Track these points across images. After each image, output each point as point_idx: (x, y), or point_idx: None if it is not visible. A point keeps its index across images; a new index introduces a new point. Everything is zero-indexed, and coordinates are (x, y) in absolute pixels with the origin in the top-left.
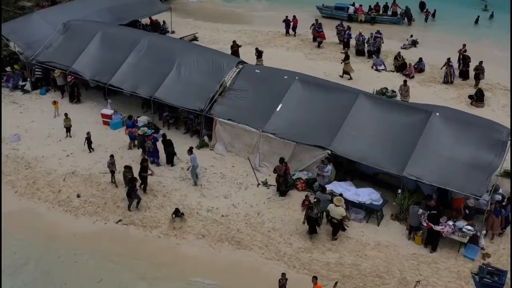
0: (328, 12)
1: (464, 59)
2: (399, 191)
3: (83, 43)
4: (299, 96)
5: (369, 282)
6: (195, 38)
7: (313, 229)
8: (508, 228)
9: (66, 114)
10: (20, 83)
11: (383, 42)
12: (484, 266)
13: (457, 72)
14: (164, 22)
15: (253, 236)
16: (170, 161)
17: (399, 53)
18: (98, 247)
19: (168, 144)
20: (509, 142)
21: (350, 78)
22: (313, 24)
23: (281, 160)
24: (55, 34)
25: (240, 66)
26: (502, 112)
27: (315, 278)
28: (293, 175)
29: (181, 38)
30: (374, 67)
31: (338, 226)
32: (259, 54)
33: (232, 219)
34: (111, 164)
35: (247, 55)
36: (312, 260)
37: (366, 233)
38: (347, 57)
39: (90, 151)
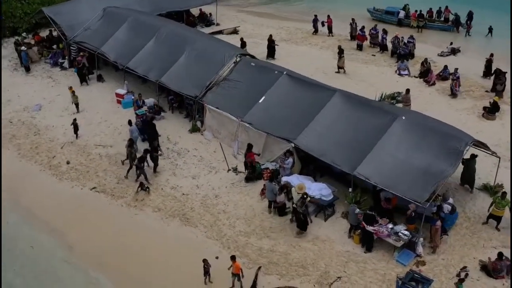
0: (378, 16)
1: (489, 69)
2: (350, 189)
3: (114, 28)
4: (283, 90)
5: (292, 271)
6: (235, 31)
7: (303, 226)
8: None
9: (73, 92)
10: (60, 60)
11: (415, 47)
12: (411, 272)
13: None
14: (210, 14)
15: (202, 216)
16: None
17: (426, 59)
18: (63, 209)
19: (150, 127)
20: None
21: (344, 72)
22: (350, 24)
23: (249, 147)
24: (94, 18)
25: (239, 58)
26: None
27: (233, 257)
28: (263, 164)
29: (221, 31)
30: (398, 71)
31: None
32: (242, 44)
33: (191, 198)
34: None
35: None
36: (247, 244)
37: (310, 226)
38: (341, 52)
39: (77, 137)
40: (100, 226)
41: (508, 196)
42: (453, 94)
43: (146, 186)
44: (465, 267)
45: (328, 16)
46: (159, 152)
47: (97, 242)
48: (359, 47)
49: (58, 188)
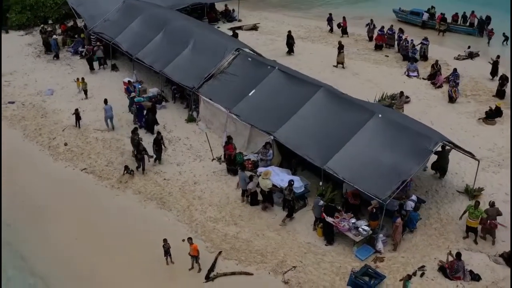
0: (403, 16)
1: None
2: (321, 183)
3: (130, 20)
4: (273, 85)
5: (251, 258)
6: (255, 28)
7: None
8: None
9: (83, 79)
10: (80, 49)
11: (428, 49)
12: (365, 267)
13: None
14: (233, 10)
15: (178, 200)
16: (150, 128)
17: (437, 61)
18: (52, 187)
19: (151, 113)
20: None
21: (343, 67)
22: (368, 25)
23: (228, 139)
24: (114, 10)
25: (237, 52)
26: (508, 135)
27: (190, 239)
28: (245, 155)
29: (240, 27)
30: (407, 72)
31: (267, 198)
32: (234, 35)
33: (171, 183)
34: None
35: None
36: (214, 230)
37: (278, 217)
38: (341, 47)
39: (79, 127)
40: (81, 204)
41: (481, 206)
42: (451, 100)
43: (131, 169)
44: (423, 266)
45: (344, 18)
46: (163, 147)
47: (72, 217)
48: (379, 48)
49: (52, 167)
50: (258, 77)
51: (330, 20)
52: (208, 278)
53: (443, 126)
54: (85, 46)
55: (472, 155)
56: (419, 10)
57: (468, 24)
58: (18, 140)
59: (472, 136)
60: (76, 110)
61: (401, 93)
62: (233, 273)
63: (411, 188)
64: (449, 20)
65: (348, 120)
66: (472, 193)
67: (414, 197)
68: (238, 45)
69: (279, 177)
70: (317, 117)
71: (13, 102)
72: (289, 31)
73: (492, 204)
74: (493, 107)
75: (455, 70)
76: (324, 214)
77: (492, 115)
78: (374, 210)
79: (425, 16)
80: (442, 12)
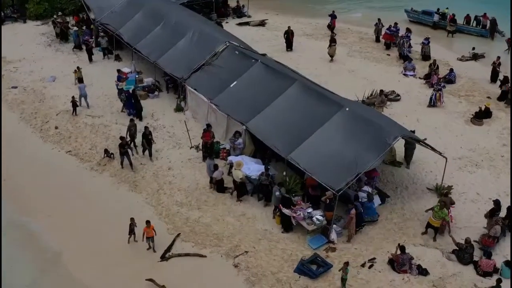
0: (415, 16)
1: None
2: (284, 173)
3: (133, 12)
4: (253, 77)
5: (207, 241)
6: (262, 24)
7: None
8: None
9: (78, 67)
10: (83, 39)
11: (429, 49)
12: (314, 256)
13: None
14: (243, 6)
15: (149, 184)
16: (138, 115)
17: (434, 61)
18: (35, 166)
19: (135, 100)
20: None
21: (331, 60)
22: (376, 24)
23: (207, 126)
24: (121, 2)
25: (226, 45)
26: (494, 136)
27: (148, 222)
28: (222, 144)
29: (247, 23)
30: (404, 71)
31: (239, 188)
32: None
33: (146, 168)
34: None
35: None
36: (177, 213)
37: (243, 204)
38: (333, 41)
39: (75, 114)
40: (59, 183)
41: (445, 210)
42: (431, 105)
43: (111, 153)
44: (374, 258)
45: (335, 16)
46: (152, 142)
47: (49, 196)
48: (387, 46)
49: (40, 148)
50: (241, 69)
51: (333, 18)
52: (163, 257)
53: (428, 125)
54: (85, 37)
55: (439, 153)
56: (431, 10)
57: (480, 26)
58: (14, 122)
59: (456, 135)
60: (73, 97)
61: (381, 91)
62: (187, 254)
63: (377, 182)
64: (460, 21)
65: (317, 112)
66: (440, 190)
67: (365, 188)
68: (229, 39)
69: (247, 166)
70: (288, 109)
71: (16, 87)
72: (289, 27)
73: (445, 194)
74: (482, 107)
75: (451, 70)
76: (281, 205)
77: (481, 116)
78: (328, 201)
79: (436, 16)
80: (453, 13)
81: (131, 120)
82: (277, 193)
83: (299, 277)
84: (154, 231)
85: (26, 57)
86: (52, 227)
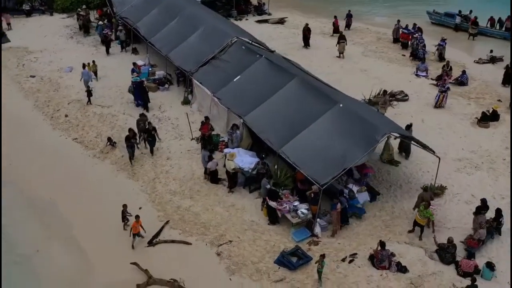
0: (437, 18)
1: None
2: (276, 166)
3: (151, 7)
4: (257, 72)
5: (194, 229)
6: (281, 22)
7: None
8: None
9: (93, 61)
10: (108, 32)
11: (445, 50)
12: (296, 248)
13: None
14: (264, 3)
15: (147, 173)
16: (145, 106)
17: (447, 62)
18: (42, 152)
19: (143, 91)
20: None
21: (341, 57)
22: (396, 25)
23: (205, 119)
24: None
25: (234, 40)
26: (498, 139)
27: (137, 217)
28: (221, 137)
29: (266, 20)
30: (416, 72)
31: (231, 178)
32: None
33: (145, 158)
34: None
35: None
36: (169, 201)
37: (234, 195)
38: (341, 38)
39: (90, 103)
40: (62, 168)
41: (429, 209)
42: (437, 106)
43: (114, 141)
44: (355, 253)
45: (335, 17)
46: (157, 138)
47: (51, 179)
48: (404, 46)
49: (49, 135)
50: (246, 64)
51: (349, 17)
52: (150, 243)
53: (432, 125)
54: (105, 31)
55: (431, 152)
56: (453, 12)
57: (504, 29)
58: (28, 110)
59: (459, 137)
60: (88, 87)
61: (385, 91)
62: (173, 241)
63: (369, 178)
64: (484, 24)
65: (312, 108)
66: (433, 190)
67: (350, 185)
68: (240, 34)
69: (241, 158)
70: (285, 104)
71: (34, 76)
72: (306, 24)
73: (425, 189)
74: (490, 110)
75: (463, 72)
76: (267, 197)
77: (487, 118)
78: (312, 195)
79: (458, 19)
80: (475, 16)
81: (141, 115)
82: (267, 185)
83: (279, 268)
84: (142, 227)
85: (47, 48)
86: (51, 209)
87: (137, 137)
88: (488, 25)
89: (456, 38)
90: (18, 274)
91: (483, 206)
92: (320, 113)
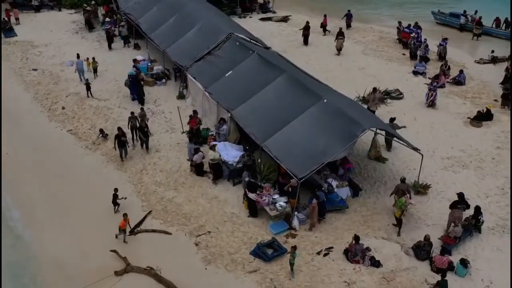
0: (442, 18)
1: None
2: (259, 160)
3: (154, 3)
4: (248, 67)
5: (174, 219)
6: (284, 20)
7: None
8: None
9: (93, 58)
10: (112, 28)
11: (444, 51)
12: (272, 240)
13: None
14: (268, 1)
15: (135, 164)
16: (140, 100)
17: (446, 62)
18: (37, 141)
19: (138, 85)
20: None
21: (338, 54)
22: (398, 27)
23: (193, 113)
24: None
25: (229, 36)
26: (490, 138)
27: (125, 215)
28: (211, 131)
29: (270, 18)
30: (414, 69)
31: (214, 169)
32: None
33: (135, 149)
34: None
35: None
36: (154, 192)
37: (218, 188)
38: (340, 34)
39: (91, 96)
40: (55, 158)
41: (402, 198)
42: (429, 105)
43: (105, 133)
44: (331, 247)
45: (325, 15)
46: (149, 134)
47: (43, 169)
48: (405, 45)
49: (45, 126)
50: (238, 60)
51: (349, 17)
52: (132, 232)
53: (424, 124)
54: (108, 26)
55: (414, 148)
56: (458, 12)
57: (510, 29)
58: (28, 101)
59: (450, 135)
60: (87, 80)
61: (374, 89)
62: (154, 231)
63: (353, 174)
64: (489, 24)
65: (297, 103)
66: (416, 187)
67: (329, 180)
68: (236, 31)
69: (227, 151)
70: (272, 99)
71: (36, 70)
72: (307, 22)
73: (403, 180)
74: (484, 109)
75: (461, 71)
76: (247, 189)
77: (481, 118)
78: (290, 189)
79: (462, 19)
80: (480, 16)
81: (132, 113)
82: (247, 178)
83: (254, 259)
84: (129, 225)
85: (52, 42)
86: (42, 195)
87: (127, 136)
88: (494, 26)
89: (460, 38)
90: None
91: (460, 201)
92: (304, 108)
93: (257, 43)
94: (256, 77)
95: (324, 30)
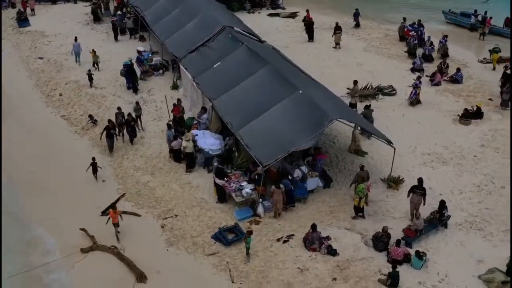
0: (452, 18)
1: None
2: (234, 148)
3: None
4: (236, 59)
5: (146, 202)
6: (292, 16)
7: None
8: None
9: (94, 51)
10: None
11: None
12: (234, 225)
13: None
14: None
15: (119, 149)
16: (134, 88)
17: (444, 60)
18: (30, 124)
19: (132, 74)
20: None
21: (338, 48)
22: (402, 23)
23: (177, 101)
24: None
25: (223, 29)
26: (476, 136)
27: (114, 207)
28: (196, 120)
29: (277, 14)
30: (412, 66)
31: (189, 159)
32: None
33: (125, 139)
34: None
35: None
36: (131, 176)
37: (193, 174)
38: (338, 28)
39: (92, 86)
40: (45, 141)
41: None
42: (410, 102)
43: (94, 119)
44: (292, 235)
45: (307, 10)
46: (137, 129)
47: (32, 150)
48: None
49: (41, 111)
50: (228, 51)
51: (356, 16)
52: (103, 213)
53: (411, 119)
54: (114, 18)
55: (386, 142)
56: (469, 12)
57: (510, 29)
58: (29, 87)
59: (435, 132)
60: (89, 71)
61: (355, 82)
62: (124, 212)
63: (322, 164)
64: (500, 24)
65: (274, 94)
66: (389, 182)
67: (303, 168)
68: (232, 24)
69: (205, 139)
70: (252, 89)
71: (42, 58)
72: (311, 18)
73: (362, 168)
74: (474, 107)
75: (458, 70)
76: (214, 175)
77: (469, 116)
78: (256, 177)
79: (472, 19)
80: (490, 16)
81: (119, 108)
82: (215, 163)
83: (214, 243)
84: (121, 216)
85: (62, 32)
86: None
87: (116, 129)
88: (504, 26)
89: (469, 37)
90: None
91: (419, 186)
92: (280, 99)
93: (250, 36)
94: (242, 68)
95: (308, 26)
